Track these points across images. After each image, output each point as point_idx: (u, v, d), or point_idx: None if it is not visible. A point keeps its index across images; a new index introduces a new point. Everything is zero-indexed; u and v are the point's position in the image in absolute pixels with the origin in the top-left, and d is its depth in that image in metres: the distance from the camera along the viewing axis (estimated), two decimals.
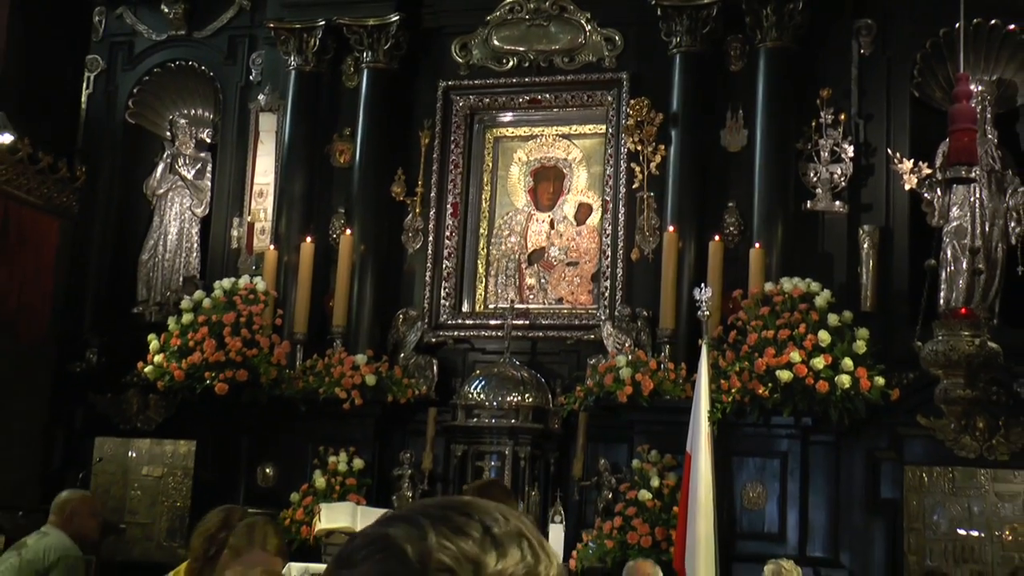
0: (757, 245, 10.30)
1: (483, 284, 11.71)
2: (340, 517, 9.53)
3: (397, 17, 11.53)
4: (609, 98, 11.38)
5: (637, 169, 10.93)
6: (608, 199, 11.24)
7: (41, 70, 12.50)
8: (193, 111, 12.88)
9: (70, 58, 12.82)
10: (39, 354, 12.02)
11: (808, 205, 10.49)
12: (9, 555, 7.17)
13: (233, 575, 4.41)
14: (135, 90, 12.81)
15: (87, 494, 8.43)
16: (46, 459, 12.10)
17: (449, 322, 11.46)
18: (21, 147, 11.55)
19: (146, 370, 11.14)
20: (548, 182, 11.83)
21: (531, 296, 11.58)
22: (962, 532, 9.70)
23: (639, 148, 10.90)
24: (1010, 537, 9.57)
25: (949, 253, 10.00)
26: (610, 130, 11.36)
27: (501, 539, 1.28)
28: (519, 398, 10.50)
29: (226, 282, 11.35)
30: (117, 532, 10.36)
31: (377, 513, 9.32)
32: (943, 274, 9.92)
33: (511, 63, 11.56)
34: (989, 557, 9.33)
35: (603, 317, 10.90)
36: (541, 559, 1.30)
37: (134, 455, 11.95)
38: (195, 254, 12.59)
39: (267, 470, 11.18)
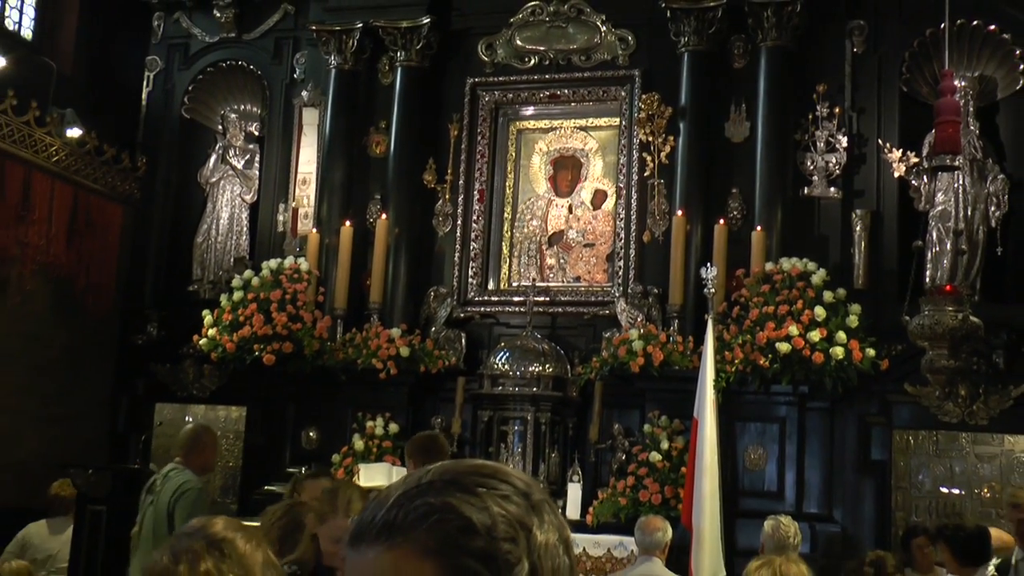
0: (758, 228, 10.30)
1: (507, 264, 11.70)
2: (377, 476, 9.43)
3: (428, 19, 11.54)
4: (622, 93, 11.36)
5: (648, 158, 10.92)
6: (622, 186, 11.24)
7: (106, 71, 12.54)
8: (242, 106, 12.89)
9: (132, 60, 12.81)
10: (105, 328, 12.10)
11: (805, 191, 10.50)
12: (145, 501, 7.16)
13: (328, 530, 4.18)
14: (190, 88, 12.83)
15: (208, 426, 8.43)
16: (112, 423, 12.17)
17: (476, 299, 11.47)
18: (88, 140, 11.65)
19: (201, 343, 11.22)
20: (567, 170, 11.81)
21: (551, 275, 11.58)
22: (944, 490, 9.71)
23: (650, 139, 10.89)
24: (988, 495, 9.57)
25: (934, 235, 9.97)
26: (623, 122, 11.35)
27: (538, 505, 1.24)
28: (540, 368, 10.52)
29: (273, 262, 11.40)
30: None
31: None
32: (929, 254, 9.90)
33: (533, 61, 11.56)
34: (969, 513, 9.35)
35: (617, 294, 10.91)
36: (563, 521, 1.28)
37: (190, 419, 11.89)
38: (244, 237, 12.61)
39: (311, 434, 11.22)
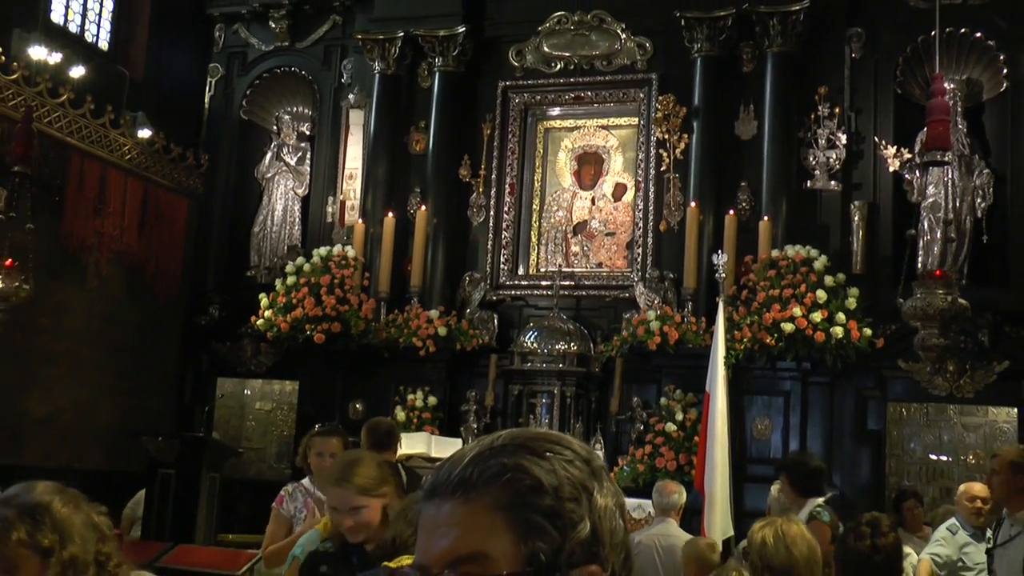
0: (765, 218, 10.32)
1: (535, 251, 11.70)
2: (418, 444, 9.46)
3: (463, 29, 11.57)
4: (641, 95, 11.36)
5: (664, 154, 10.94)
6: (640, 179, 11.24)
7: (172, 78, 12.65)
8: (295, 108, 12.93)
9: (195, 67, 12.92)
10: (172, 310, 12.19)
11: (808, 184, 10.50)
12: None
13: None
14: (247, 92, 12.90)
15: None
16: (179, 395, 12.29)
17: (507, 283, 11.49)
18: (157, 140, 11.75)
19: (258, 323, 11.29)
20: (590, 165, 11.80)
21: (575, 261, 11.58)
22: (934, 457, 9.74)
23: (666, 137, 10.92)
24: (973, 461, 9.60)
25: (926, 224, 9.95)
26: (642, 122, 11.35)
27: (598, 471, 1.23)
28: (566, 346, 10.55)
29: (322, 250, 11.45)
30: (236, 455, 10.43)
31: (449, 441, 9.48)
32: (921, 242, 9.90)
33: (559, 66, 11.55)
34: (956, 477, 9.34)
35: (636, 279, 10.93)
36: (618, 488, 1.26)
37: (249, 392, 12.15)
38: (297, 227, 12.64)
39: (356, 405, 11.25)
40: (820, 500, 5.85)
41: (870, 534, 3.70)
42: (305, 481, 5.40)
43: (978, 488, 6.80)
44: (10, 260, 8.87)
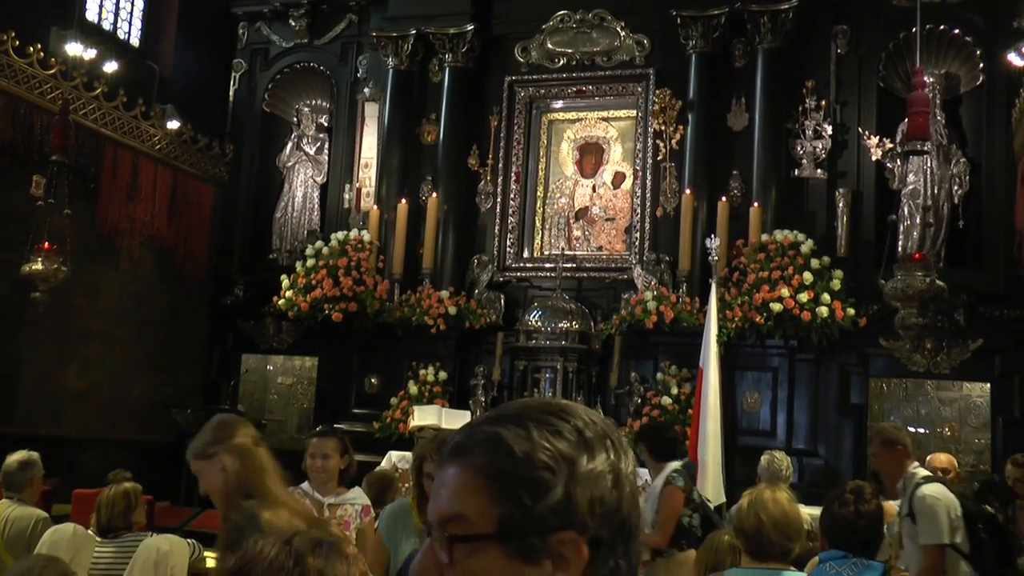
0: (755, 204, 10.32)
1: (540, 236, 11.71)
2: (429, 416, 9.60)
3: (472, 27, 11.56)
4: (639, 89, 11.36)
5: (661, 145, 10.94)
6: (638, 168, 11.24)
7: (199, 72, 12.67)
8: (314, 101, 12.91)
9: (220, 63, 12.93)
10: (199, 290, 12.25)
11: (796, 172, 10.51)
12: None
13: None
14: (269, 86, 12.90)
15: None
16: (206, 370, 12.34)
17: (513, 265, 11.50)
18: (185, 131, 11.80)
19: (279, 303, 11.33)
20: (591, 155, 11.80)
21: (577, 245, 11.59)
22: (912, 429, 9.66)
23: (662, 128, 10.91)
24: (948, 433, 9.65)
25: (906, 210, 9.94)
26: (639, 114, 11.34)
27: (591, 441, 1.20)
28: (568, 325, 10.57)
29: (340, 234, 11.47)
30: (259, 427, 10.43)
31: (458, 414, 9.53)
32: (901, 227, 9.89)
33: (562, 62, 11.54)
34: (932, 448, 9.35)
35: (634, 261, 10.95)
36: (622, 457, 1.23)
37: (271, 368, 12.20)
38: (316, 212, 12.65)
39: (372, 380, 11.31)
40: (677, 464, 5.90)
41: (854, 501, 3.72)
42: (304, 485, 5.11)
43: (943, 459, 6.89)
44: (49, 244, 8.92)
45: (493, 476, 1.17)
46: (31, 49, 9.67)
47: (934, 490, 5.21)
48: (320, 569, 1.55)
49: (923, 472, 5.48)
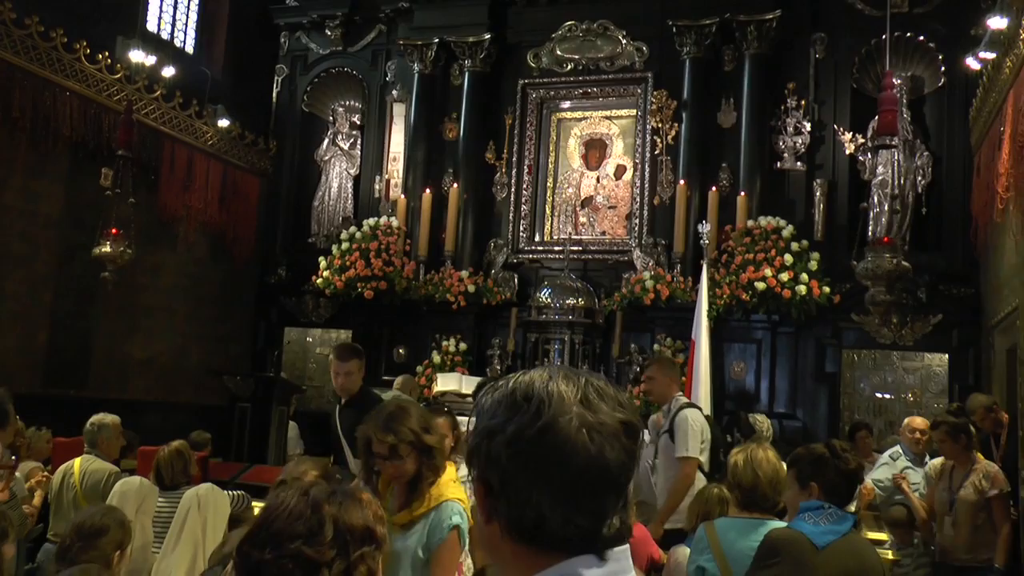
0: (742, 193, 10.34)
1: (549, 222, 11.72)
2: (450, 383, 9.67)
3: (489, 36, 11.57)
4: (638, 90, 11.35)
5: (658, 140, 10.95)
6: (637, 161, 11.24)
7: (246, 77, 12.67)
8: (348, 102, 12.91)
9: (265, 68, 12.93)
10: (247, 271, 12.30)
11: (778, 165, 10.52)
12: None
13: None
14: (308, 88, 12.90)
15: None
16: (253, 342, 12.41)
17: (526, 248, 11.53)
18: (234, 129, 11.85)
19: (318, 281, 11.40)
20: (595, 150, 11.79)
21: (583, 230, 11.60)
22: (879, 395, 9.82)
23: (659, 125, 10.92)
24: (912, 398, 9.67)
25: (876, 199, 9.93)
26: (639, 113, 11.34)
27: (521, 403, 1.20)
28: (575, 301, 10.59)
29: (371, 220, 11.52)
30: (300, 392, 10.49)
31: (476, 380, 9.56)
32: (871, 214, 9.88)
33: (570, 66, 11.53)
34: (897, 412, 9.40)
35: (634, 245, 10.97)
36: (532, 423, 1.18)
37: (310, 339, 12.23)
38: (350, 201, 12.65)
39: (400, 350, 11.37)
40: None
41: (829, 455, 3.74)
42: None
43: (919, 421, 6.88)
44: (116, 229, 9.01)
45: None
46: (100, 56, 9.74)
47: (693, 414, 5.64)
48: (335, 515, 1.55)
49: (684, 399, 5.94)
